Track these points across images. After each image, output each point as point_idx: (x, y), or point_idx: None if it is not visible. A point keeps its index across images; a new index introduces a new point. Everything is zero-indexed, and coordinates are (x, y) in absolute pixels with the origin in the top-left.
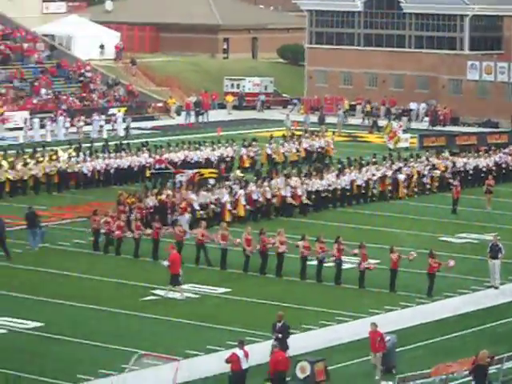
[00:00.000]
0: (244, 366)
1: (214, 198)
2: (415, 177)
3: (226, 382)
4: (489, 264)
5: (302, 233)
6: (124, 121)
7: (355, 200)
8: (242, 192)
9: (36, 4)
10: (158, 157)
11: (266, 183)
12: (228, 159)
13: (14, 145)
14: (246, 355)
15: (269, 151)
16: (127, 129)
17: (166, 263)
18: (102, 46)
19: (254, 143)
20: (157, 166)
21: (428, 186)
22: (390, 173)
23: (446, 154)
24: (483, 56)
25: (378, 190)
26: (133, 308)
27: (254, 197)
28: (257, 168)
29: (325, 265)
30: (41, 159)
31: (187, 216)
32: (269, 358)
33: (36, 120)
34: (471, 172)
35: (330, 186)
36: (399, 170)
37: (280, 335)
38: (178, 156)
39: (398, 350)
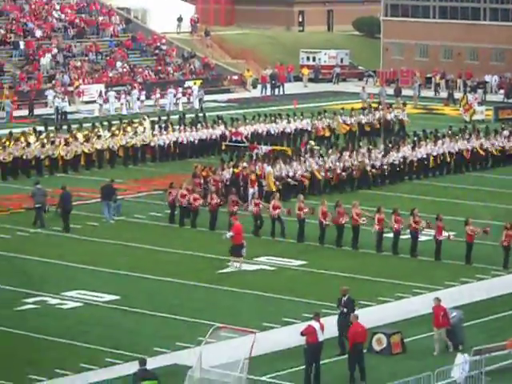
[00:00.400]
0: (320, 338)
1: (291, 170)
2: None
3: (301, 355)
4: None
5: (378, 205)
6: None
7: (431, 172)
8: (314, 162)
9: None
10: (234, 130)
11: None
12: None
13: (89, 118)
14: (322, 327)
15: (348, 122)
16: (200, 101)
17: (229, 234)
18: (179, 19)
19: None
20: (233, 139)
21: None
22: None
23: None
24: None
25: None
26: (209, 280)
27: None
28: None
29: (401, 237)
30: (116, 132)
31: (251, 190)
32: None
33: (111, 93)
34: None
35: (405, 158)
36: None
37: (345, 309)
38: (254, 128)
39: (472, 322)
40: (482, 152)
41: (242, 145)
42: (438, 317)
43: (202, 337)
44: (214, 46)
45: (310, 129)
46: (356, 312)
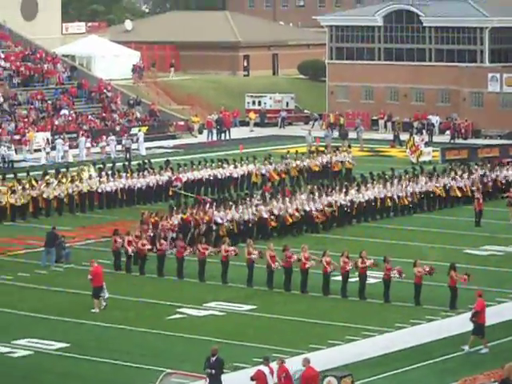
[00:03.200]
0: (270, 382)
1: (238, 215)
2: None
3: None
4: None
5: (326, 248)
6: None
7: (379, 215)
8: (263, 208)
9: (56, 25)
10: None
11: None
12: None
13: (36, 166)
14: (272, 372)
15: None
16: (128, 150)
17: (89, 277)
18: (133, 69)
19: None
20: (178, 186)
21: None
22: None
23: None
24: (504, 68)
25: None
26: (159, 327)
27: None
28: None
29: (349, 280)
30: (63, 180)
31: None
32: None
33: (59, 141)
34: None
35: (352, 201)
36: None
37: (213, 371)
38: (201, 174)
39: (423, 363)
40: (437, 191)
41: (190, 194)
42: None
43: (153, 383)
44: (159, 92)
45: (264, 172)
46: (307, 355)
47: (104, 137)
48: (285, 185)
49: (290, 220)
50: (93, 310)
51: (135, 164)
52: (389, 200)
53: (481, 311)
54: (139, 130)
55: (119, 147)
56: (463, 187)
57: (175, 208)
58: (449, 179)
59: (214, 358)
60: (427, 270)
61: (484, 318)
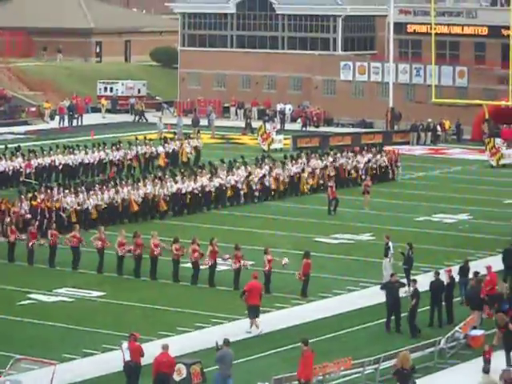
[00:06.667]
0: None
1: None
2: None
3: None
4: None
5: (176, 235)
6: None
7: (229, 202)
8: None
9: None
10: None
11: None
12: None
13: None
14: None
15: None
16: None
17: None
18: None
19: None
20: (28, 171)
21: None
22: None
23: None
24: (356, 56)
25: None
26: (9, 312)
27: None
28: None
29: (201, 267)
30: None
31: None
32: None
33: None
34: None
35: (203, 187)
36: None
37: None
38: (52, 159)
39: (273, 351)
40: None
41: (34, 182)
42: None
43: (2, 369)
44: (12, 77)
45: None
46: (165, 342)
47: None
48: (134, 171)
49: (136, 207)
50: None
51: None
52: (243, 187)
53: (249, 291)
54: None
55: None
56: (314, 175)
57: (23, 195)
58: (300, 167)
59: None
60: (283, 263)
61: (256, 300)
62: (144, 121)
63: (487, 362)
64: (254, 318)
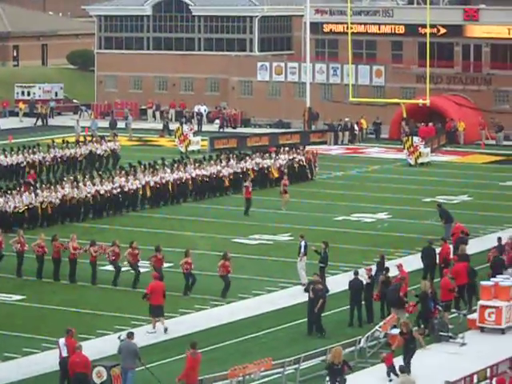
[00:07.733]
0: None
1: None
2: None
3: None
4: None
5: (93, 238)
6: None
7: (148, 204)
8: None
9: None
10: None
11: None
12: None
13: None
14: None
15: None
16: None
17: None
18: None
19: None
20: None
21: None
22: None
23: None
24: (273, 57)
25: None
26: None
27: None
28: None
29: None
30: None
31: None
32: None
33: None
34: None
35: (121, 188)
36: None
37: None
38: None
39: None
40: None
41: None
42: None
43: None
44: None
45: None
46: (79, 343)
47: None
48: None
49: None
50: None
51: None
52: (160, 187)
53: (151, 293)
54: None
55: None
56: (232, 176)
57: None
58: (216, 168)
59: None
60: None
61: (160, 300)
62: (46, 125)
63: (390, 367)
64: (156, 317)
